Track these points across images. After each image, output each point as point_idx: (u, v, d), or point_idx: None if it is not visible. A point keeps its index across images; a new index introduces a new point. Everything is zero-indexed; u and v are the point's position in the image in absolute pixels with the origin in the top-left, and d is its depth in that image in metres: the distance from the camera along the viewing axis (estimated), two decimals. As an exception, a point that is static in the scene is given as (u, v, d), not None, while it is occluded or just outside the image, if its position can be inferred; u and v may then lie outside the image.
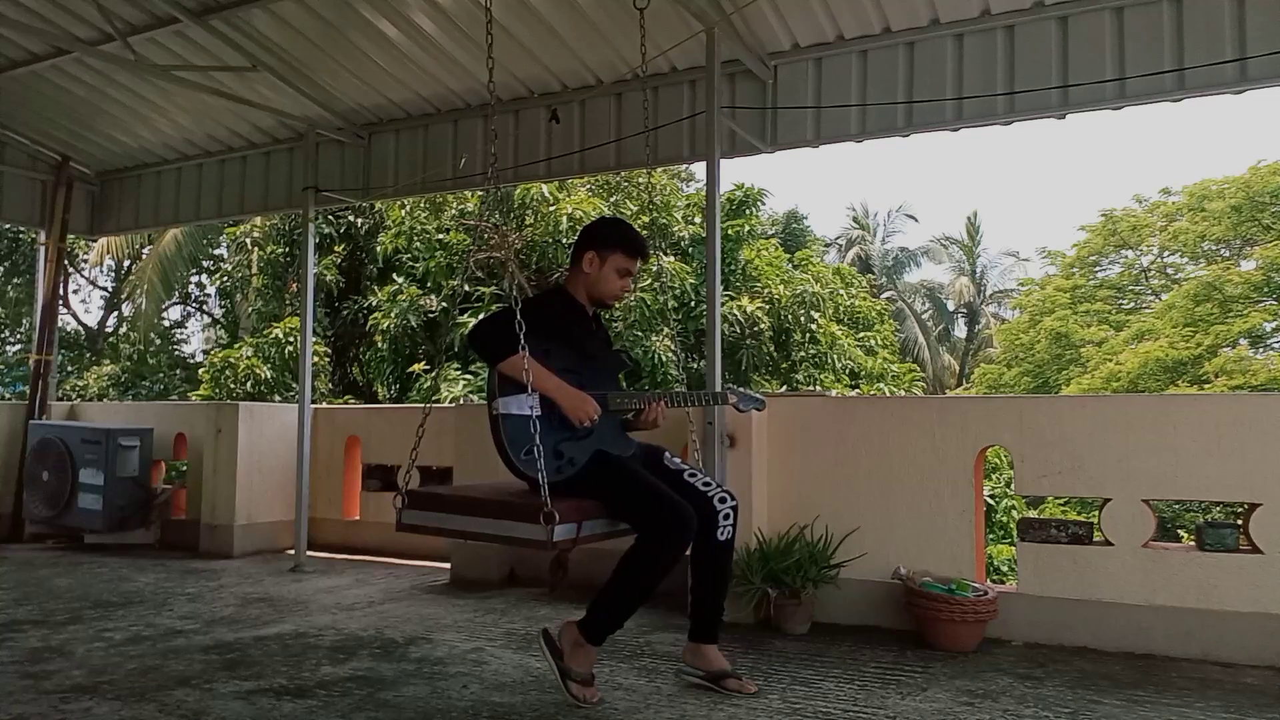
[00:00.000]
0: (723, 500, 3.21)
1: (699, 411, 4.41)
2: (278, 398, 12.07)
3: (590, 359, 3.27)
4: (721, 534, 3.18)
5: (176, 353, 22.12)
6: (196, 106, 6.61)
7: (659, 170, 12.23)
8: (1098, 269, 22.14)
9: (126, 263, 21.10)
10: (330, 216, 12.98)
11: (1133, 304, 21.76)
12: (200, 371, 14.27)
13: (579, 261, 3.33)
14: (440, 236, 12.21)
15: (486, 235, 11.83)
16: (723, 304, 9.28)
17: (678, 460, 3.35)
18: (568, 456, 3.09)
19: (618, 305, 3.69)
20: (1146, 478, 3.93)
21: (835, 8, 4.77)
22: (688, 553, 3.17)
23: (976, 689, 3.34)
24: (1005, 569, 9.88)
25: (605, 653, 3.74)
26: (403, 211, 12.54)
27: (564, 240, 11.50)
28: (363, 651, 3.81)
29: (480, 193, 11.00)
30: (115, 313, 23.22)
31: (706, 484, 3.26)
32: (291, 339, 12.29)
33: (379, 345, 12.12)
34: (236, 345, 13.63)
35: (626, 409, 3.26)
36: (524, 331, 2.95)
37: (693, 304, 11.51)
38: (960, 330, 32.40)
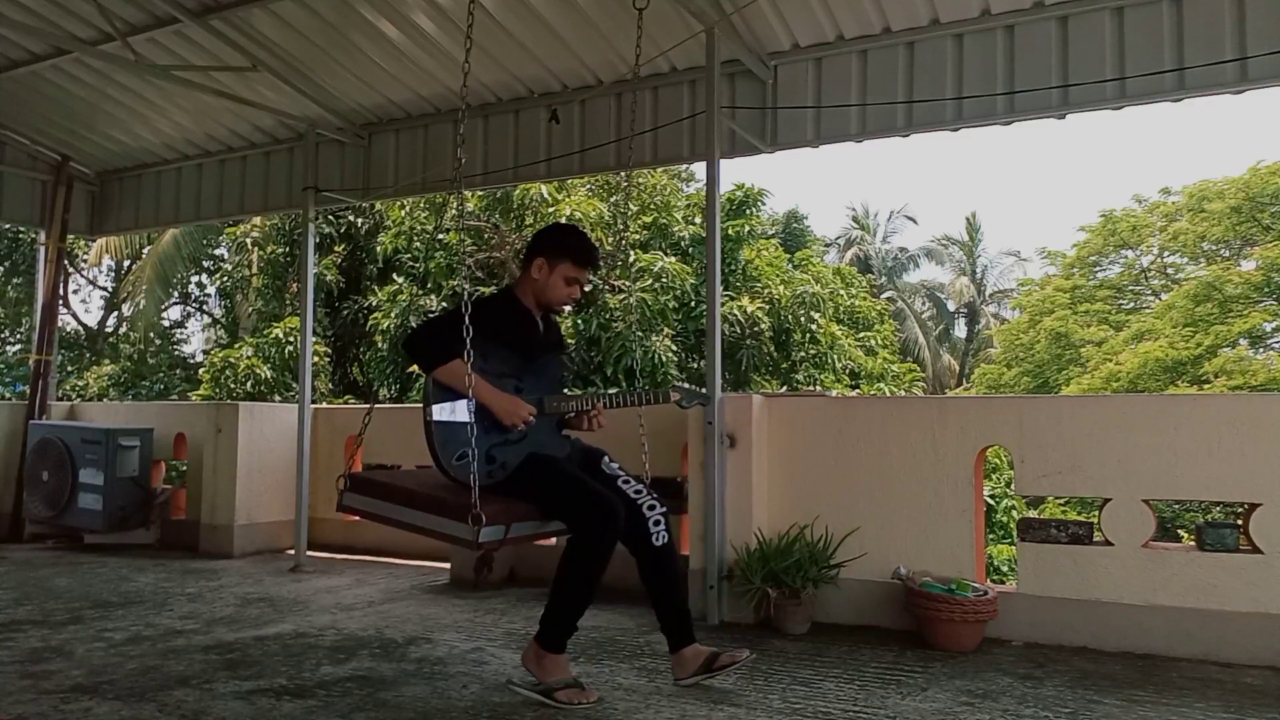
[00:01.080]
0: (651, 508, 3.25)
1: (698, 411, 4.42)
2: (278, 398, 12.07)
3: (530, 362, 3.33)
4: (656, 540, 3.22)
5: (176, 353, 22.13)
6: (196, 106, 6.60)
7: (659, 170, 12.24)
8: (1098, 269, 22.16)
9: (126, 263, 21.11)
10: (330, 216, 12.99)
11: (1133, 304, 21.78)
12: (200, 371, 14.28)
13: (528, 267, 3.38)
14: (440, 237, 12.22)
15: (486, 235, 11.84)
16: (723, 304, 9.28)
17: (615, 466, 3.40)
18: (500, 460, 3.17)
19: (565, 311, 3.74)
20: (1146, 478, 3.93)
21: (835, 8, 4.77)
22: (636, 562, 3.24)
23: (976, 689, 3.34)
24: (1005, 569, 9.89)
25: (605, 652, 3.75)
26: (403, 211, 12.54)
27: (564, 240, 11.47)
28: (363, 651, 3.81)
29: (480, 193, 11.02)
30: (115, 313, 23.22)
31: (638, 491, 3.29)
32: (291, 339, 12.30)
33: (379, 345, 12.12)
34: (236, 345, 13.63)
35: (563, 411, 3.32)
36: (470, 337, 3.01)
37: (693, 304, 11.52)
38: (960, 330, 32.42)
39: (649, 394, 3.48)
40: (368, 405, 3.55)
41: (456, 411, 3.07)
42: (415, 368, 11.40)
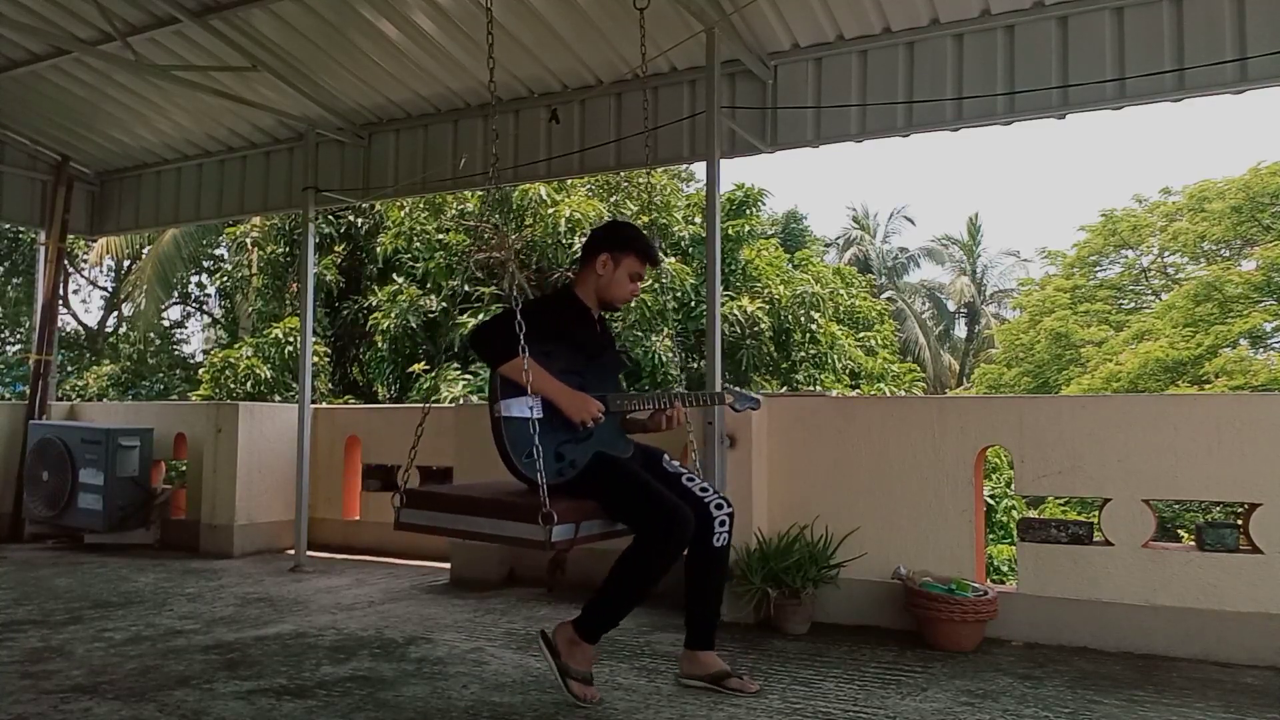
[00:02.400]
0: (719, 506, 3.21)
1: (697, 411, 4.42)
2: (278, 398, 12.06)
3: (593, 360, 3.27)
4: (717, 540, 3.18)
5: (176, 353, 22.12)
6: (196, 106, 6.61)
7: (659, 170, 12.23)
8: (1098, 269, 22.15)
9: (126, 263, 21.11)
10: (330, 216, 12.98)
11: (1133, 304, 21.77)
12: (200, 371, 14.27)
13: (591, 263, 3.32)
14: (440, 237, 12.22)
15: (486, 235, 11.84)
16: (723, 304, 9.28)
17: (676, 464, 3.36)
18: (569, 459, 3.10)
19: (627, 306, 3.70)
20: (1146, 478, 3.93)
21: (835, 8, 4.77)
22: (684, 556, 3.18)
23: (976, 689, 3.34)
24: (1005, 569, 9.88)
25: (605, 652, 3.75)
26: (402, 212, 12.54)
27: (564, 241, 11.50)
28: (363, 651, 3.81)
29: (480, 193, 11.02)
30: (115, 313, 23.22)
31: (704, 490, 3.25)
32: (291, 339, 12.29)
33: (379, 345, 12.11)
34: (236, 345, 13.63)
35: (626, 410, 3.27)
36: (524, 333, 2.96)
37: (693, 304, 11.51)
38: (960, 330, 32.42)
39: (706, 396, 3.46)
40: (423, 406, 3.46)
41: (524, 408, 3.00)
42: (417, 367, 11.42)
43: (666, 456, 3.37)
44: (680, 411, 3.30)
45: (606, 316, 3.55)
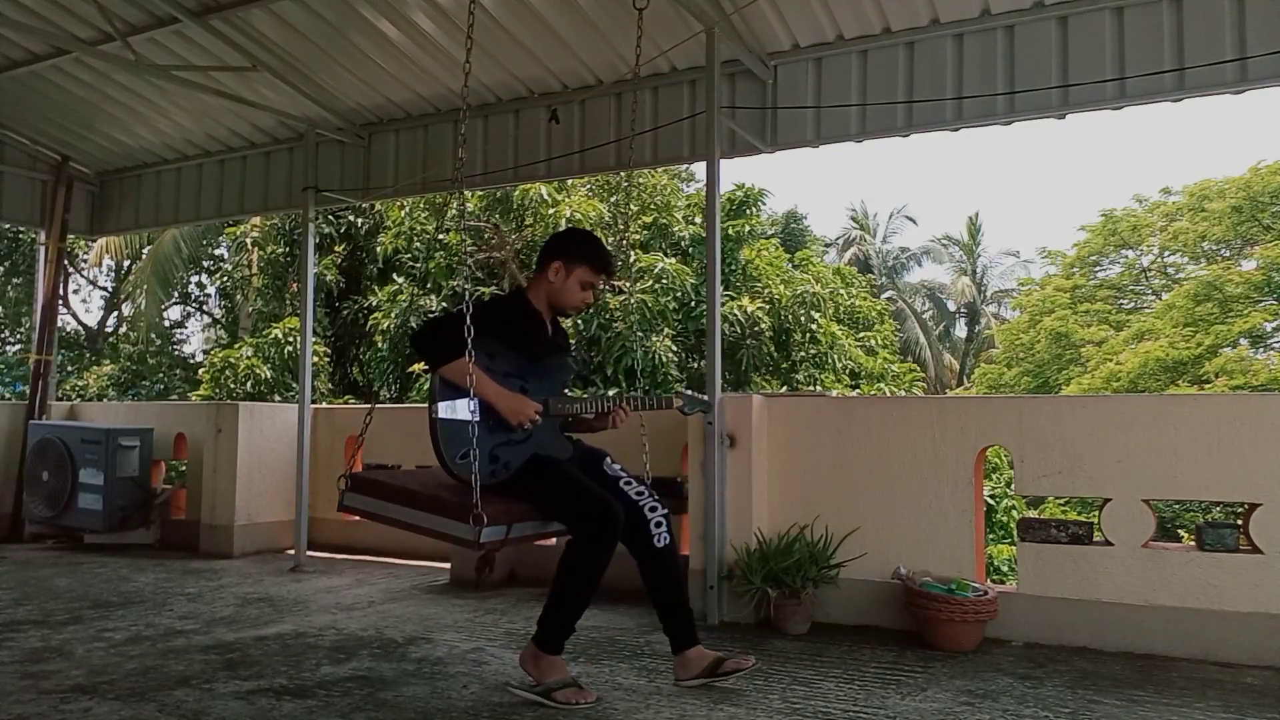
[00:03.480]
0: (653, 509, 3.24)
1: (696, 413, 4.40)
2: (278, 398, 12.07)
3: (537, 363, 3.31)
4: (658, 540, 3.22)
5: (176, 353, 22.12)
6: (196, 106, 6.61)
7: (659, 170, 12.24)
8: (1098, 269, 22.16)
9: (126, 263, 21.11)
10: (330, 216, 12.99)
11: (1133, 304, 21.78)
12: (200, 371, 14.27)
13: (544, 269, 3.37)
14: (440, 237, 12.22)
15: (486, 235, 11.84)
16: (723, 304, 9.28)
17: (617, 467, 3.39)
18: (503, 460, 3.15)
19: (579, 314, 3.72)
20: (1146, 478, 3.93)
21: (835, 8, 4.77)
22: (637, 564, 3.24)
23: (976, 689, 3.34)
24: (1005, 569, 9.88)
25: (605, 652, 3.75)
26: (402, 212, 12.54)
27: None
28: (363, 651, 3.81)
29: (480, 193, 11.02)
30: (115, 313, 23.23)
31: (640, 493, 3.28)
32: (291, 339, 12.30)
33: (379, 345, 12.12)
34: (236, 345, 13.63)
35: (567, 413, 3.31)
36: (472, 337, 3.00)
37: (693, 304, 11.52)
38: (960, 330, 32.42)
39: (652, 399, 3.44)
40: (368, 405, 3.54)
41: (461, 410, 3.05)
42: (417, 367, 11.42)
43: (609, 459, 3.41)
44: (622, 411, 3.35)
45: (562, 321, 3.57)
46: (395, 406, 8.99)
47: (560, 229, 11.34)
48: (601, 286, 3.49)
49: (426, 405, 3.19)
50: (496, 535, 3.02)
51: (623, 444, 3.56)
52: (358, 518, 3.40)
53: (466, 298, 3.08)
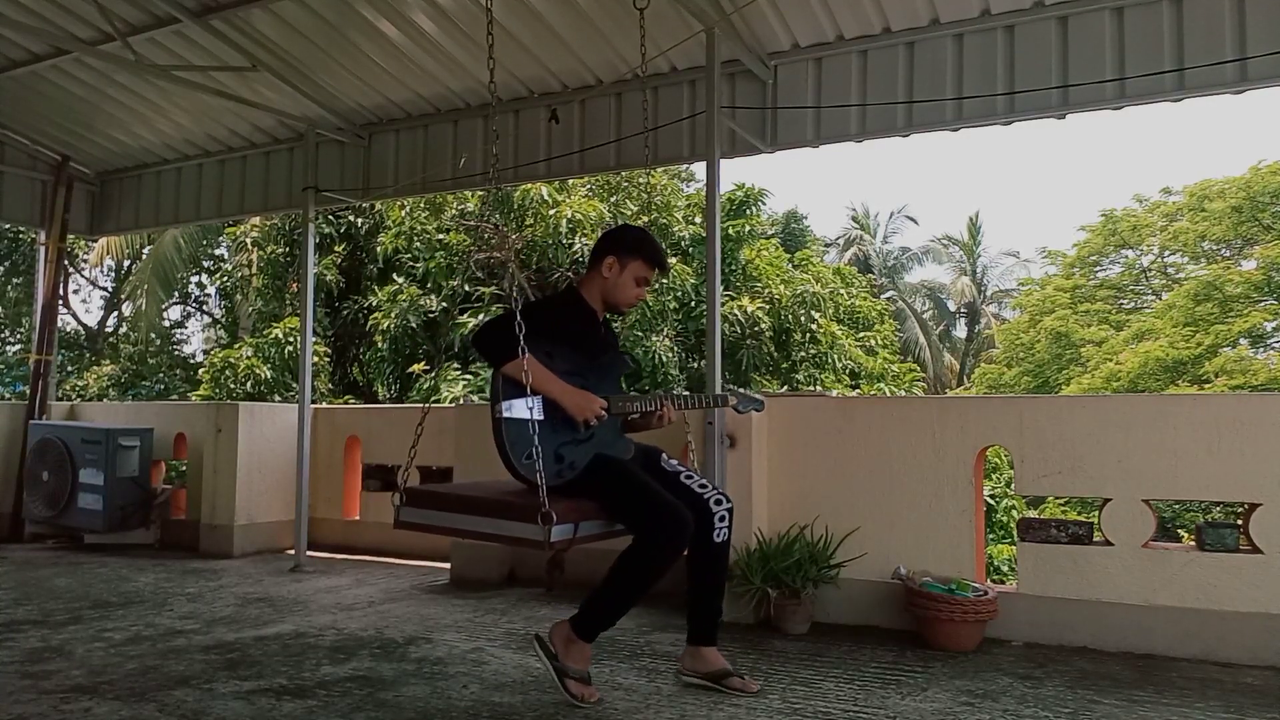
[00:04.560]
0: (719, 502, 3.22)
1: (697, 411, 4.42)
2: (278, 398, 12.06)
3: (594, 361, 3.27)
4: (717, 536, 3.20)
5: (176, 353, 22.12)
6: (196, 106, 6.61)
7: (659, 170, 12.23)
8: (1098, 269, 22.15)
9: (126, 263, 21.11)
10: (330, 216, 12.98)
11: (1133, 304, 21.78)
12: (200, 371, 14.27)
13: (598, 265, 3.33)
14: (440, 237, 12.22)
15: (487, 235, 11.84)
16: (723, 304, 9.27)
17: (675, 462, 3.36)
18: (568, 460, 3.10)
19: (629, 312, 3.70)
20: (1146, 478, 3.93)
21: (835, 8, 4.77)
22: (684, 555, 3.19)
23: (976, 689, 3.34)
24: (1005, 569, 9.88)
25: (605, 652, 3.75)
26: (403, 211, 12.53)
27: (564, 241, 11.50)
28: (363, 651, 3.81)
29: (480, 192, 11.02)
30: (115, 313, 23.23)
31: (703, 486, 3.27)
32: (291, 339, 12.29)
33: (379, 345, 12.11)
34: (236, 345, 13.63)
35: (628, 411, 3.27)
36: (523, 334, 2.96)
37: (693, 304, 11.51)
38: (961, 330, 32.42)
39: (709, 398, 3.45)
40: (422, 407, 3.46)
41: (523, 409, 3.00)
42: (417, 367, 11.42)
43: (665, 455, 3.38)
44: (671, 411, 3.31)
45: (611, 319, 3.54)
46: (395, 406, 9.00)
47: (558, 227, 11.40)
48: (655, 283, 3.45)
49: (490, 404, 3.13)
50: (566, 534, 2.94)
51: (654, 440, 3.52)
52: (416, 531, 3.30)
53: (514, 298, 3.01)
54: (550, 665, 3.10)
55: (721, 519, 3.20)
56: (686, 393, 3.45)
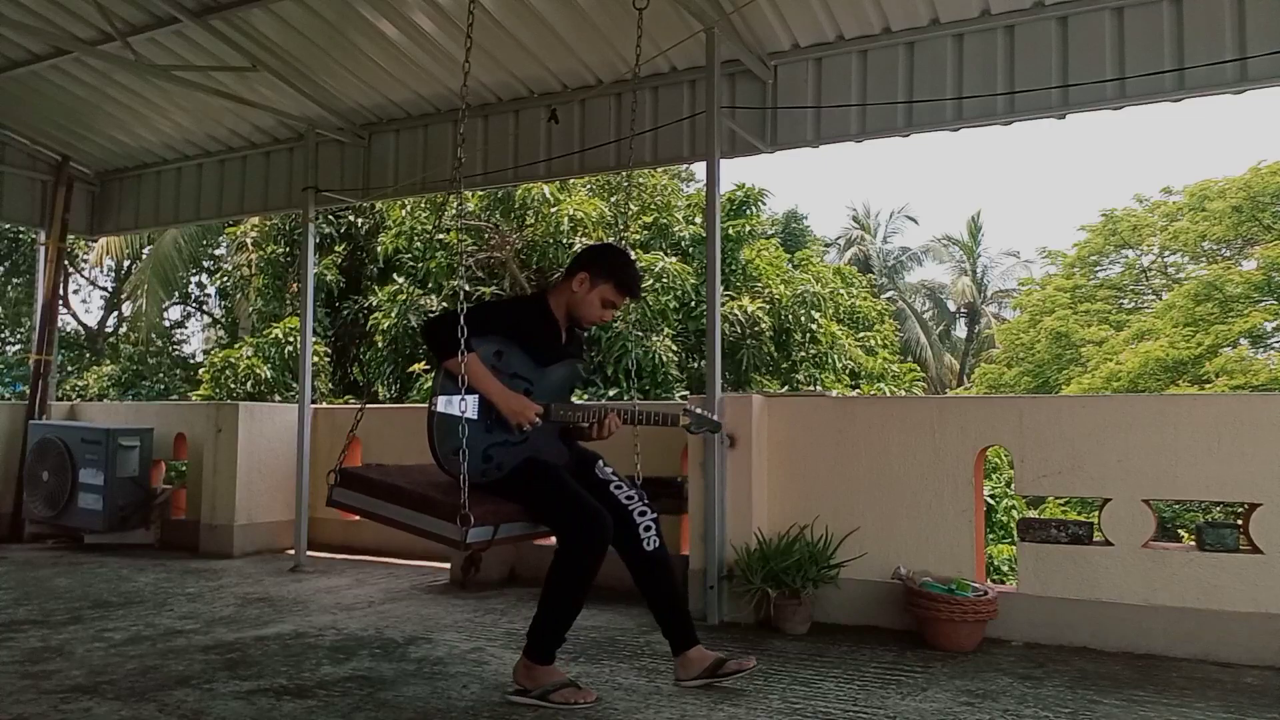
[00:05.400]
0: (642, 513, 3.24)
1: (696, 412, 4.41)
2: (278, 398, 12.07)
3: (544, 368, 3.29)
4: (647, 544, 3.22)
5: (176, 353, 22.12)
6: (196, 106, 6.61)
7: (659, 170, 12.24)
8: (1098, 269, 22.14)
9: (126, 263, 21.11)
10: (330, 216, 12.99)
11: (1133, 304, 21.76)
12: (200, 371, 14.28)
13: (570, 278, 3.35)
14: (440, 236, 12.22)
15: (487, 235, 11.84)
16: (723, 304, 9.28)
17: (609, 470, 3.38)
18: (496, 461, 3.15)
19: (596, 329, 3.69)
20: (1146, 478, 3.93)
21: (835, 8, 4.77)
22: (628, 568, 3.24)
23: (976, 689, 3.34)
24: (1005, 569, 9.88)
25: (605, 652, 3.75)
26: (403, 211, 12.54)
27: (564, 241, 11.50)
28: (363, 651, 3.81)
29: (480, 192, 11.02)
30: (115, 313, 23.23)
31: (630, 497, 3.28)
32: (291, 339, 12.29)
33: (379, 345, 12.12)
34: (236, 345, 13.63)
35: (569, 420, 3.29)
36: (466, 335, 3.00)
37: (693, 304, 11.51)
38: (961, 330, 32.41)
39: (658, 415, 3.39)
40: (359, 404, 3.54)
41: (457, 406, 3.04)
42: (418, 367, 11.42)
43: (601, 462, 3.40)
44: (613, 420, 3.31)
45: (579, 331, 3.52)
46: (395, 406, 8.99)
47: (559, 226, 11.40)
48: (622, 307, 3.45)
49: (429, 397, 3.17)
50: (483, 536, 3.01)
51: (617, 444, 3.53)
52: (357, 516, 3.38)
53: (461, 298, 3.08)
54: (531, 699, 3.10)
55: (647, 529, 3.22)
56: (639, 403, 3.42)
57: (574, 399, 3.75)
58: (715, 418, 3.60)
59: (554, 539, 3.17)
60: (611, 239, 11.49)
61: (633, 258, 3.53)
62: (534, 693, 3.09)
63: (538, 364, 3.27)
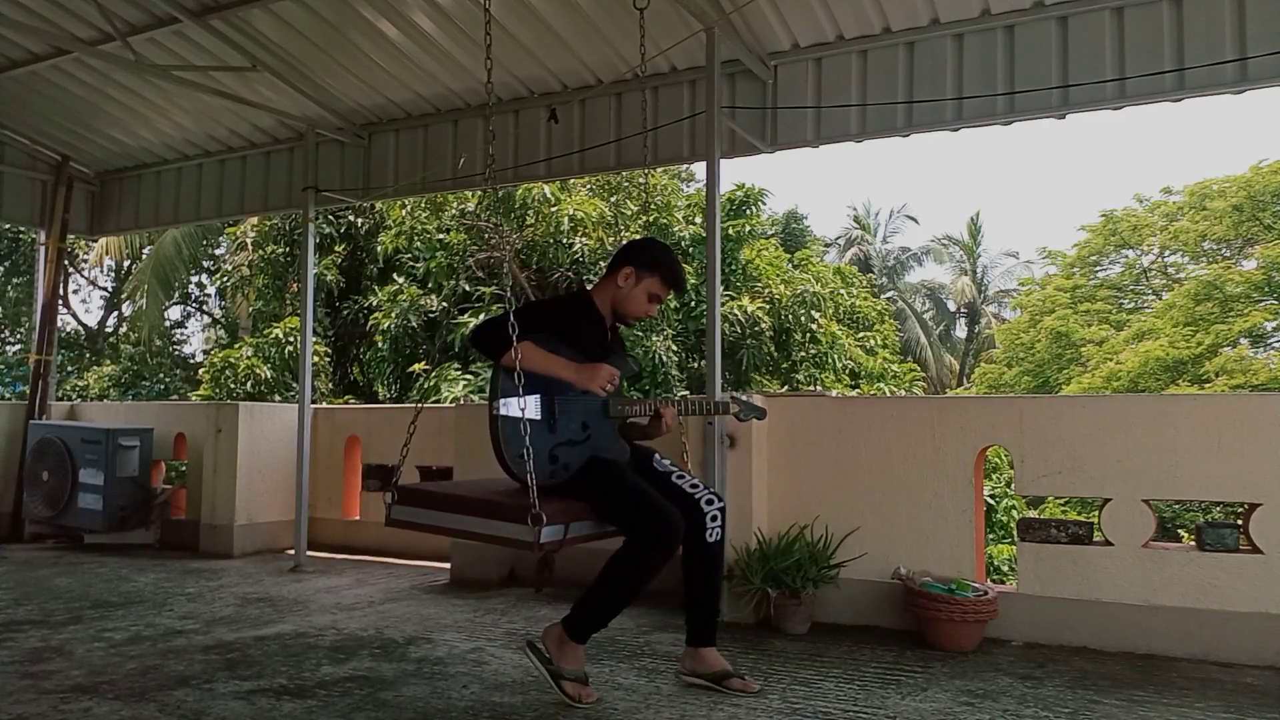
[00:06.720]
0: (710, 502, 3.23)
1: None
2: (278, 398, 12.07)
3: (595, 361, 3.27)
4: (710, 535, 3.20)
5: (176, 353, 22.12)
6: (196, 106, 6.61)
7: (659, 170, 12.24)
8: (1098, 269, 22.14)
9: (126, 263, 21.11)
10: (330, 216, 12.98)
11: (1133, 303, 21.76)
12: (200, 371, 14.28)
13: (615, 274, 3.33)
14: (440, 236, 12.22)
15: (487, 235, 11.84)
16: (723, 304, 9.28)
17: (667, 462, 3.37)
18: (562, 461, 3.12)
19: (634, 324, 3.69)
20: (1146, 478, 3.93)
21: (835, 8, 4.77)
22: (679, 555, 3.19)
23: (976, 689, 3.34)
24: (1005, 569, 9.88)
25: (605, 652, 3.75)
26: (403, 211, 12.54)
27: (565, 240, 11.50)
28: (363, 651, 3.81)
29: (480, 192, 11.03)
30: (115, 313, 23.23)
31: (694, 486, 3.27)
32: (291, 339, 12.30)
33: (379, 345, 12.12)
34: (236, 345, 13.63)
35: (627, 414, 3.28)
36: (518, 331, 2.99)
37: (693, 304, 11.51)
38: (961, 330, 32.41)
39: (709, 404, 3.44)
40: (415, 407, 3.48)
41: (524, 408, 3.01)
42: (417, 367, 11.42)
43: (657, 455, 3.39)
44: (671, 414, 3.33)
45: (620, 328, 3.53)
46: (395, 406, 8.99)
47: (559, 226, 11.39)
48: (666, 301, 3.46)
49: (488, 401, 3.13)
50: (555, 535, 2.94)
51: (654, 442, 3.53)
52: (403, 528, 3.32)
53: (509, 298, 3.06)
54: (544, 669, 3.09)
55: (714, 518, 3.20)
56: (688, 395, 3.45)
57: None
58: (761, 405, 3.63)
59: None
60: (611, 239, 11.50)
61: (674, 252, 3.52)
62: (550, 667, 3.08)
63: (587, 359, 3.24)
